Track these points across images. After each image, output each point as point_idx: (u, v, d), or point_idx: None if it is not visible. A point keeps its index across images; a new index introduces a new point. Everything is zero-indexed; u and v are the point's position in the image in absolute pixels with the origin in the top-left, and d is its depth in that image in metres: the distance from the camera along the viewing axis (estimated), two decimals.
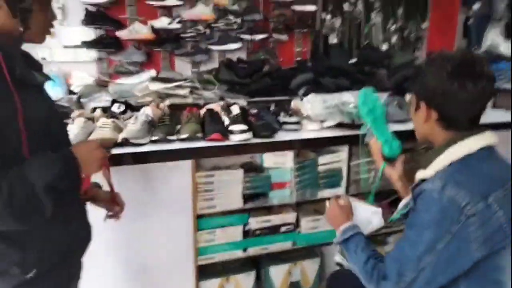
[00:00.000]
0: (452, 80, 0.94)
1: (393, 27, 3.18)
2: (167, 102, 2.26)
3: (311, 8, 2.91)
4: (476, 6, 3.45)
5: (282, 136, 1.69)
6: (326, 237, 1.89)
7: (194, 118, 1.63)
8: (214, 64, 2.93)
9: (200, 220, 1.68)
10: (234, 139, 1.54)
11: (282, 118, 1.77)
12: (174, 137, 1.57)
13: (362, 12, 3.10)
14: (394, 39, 3.22)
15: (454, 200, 0.88)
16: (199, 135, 1.55)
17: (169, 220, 1.58)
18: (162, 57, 2.84)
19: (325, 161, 1.80)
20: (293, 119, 1.76)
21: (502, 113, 2.53)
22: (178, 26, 2.69)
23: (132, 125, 1.53)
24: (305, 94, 2.64)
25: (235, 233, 1.75)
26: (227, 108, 1.69)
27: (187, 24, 2.76)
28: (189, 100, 2.58)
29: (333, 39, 3.08)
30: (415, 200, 0.99)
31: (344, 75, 2.90)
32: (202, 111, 1.75)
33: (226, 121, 1.62)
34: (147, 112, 1.61)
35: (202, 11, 2.65)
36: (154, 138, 1.51)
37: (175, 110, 1.89)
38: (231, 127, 1.56)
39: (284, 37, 2.99)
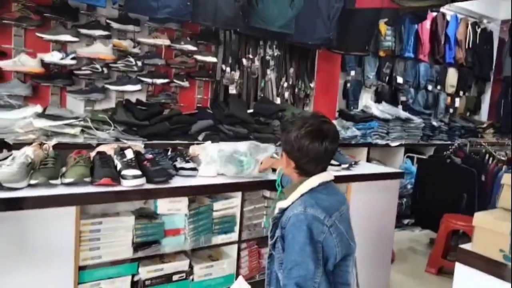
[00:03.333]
0: (305, 140, 1.23)
1: (285, 84, 3.53)
2: (54, 141, 2.09)
3: (212, 59, 3.08)
4: (352, 73, 4.08)
5: (177, 181, 1.69)
6: (220, 284, 1.88)
7: (83, 161, 1.53)
8: (111, 104, 2.84)
9: (83, 272, 1.53)
10: (126, 184, 1.49)
11: (179, 163, 1.78)
12: (57, 181, 1.44)
13: (259, 68, 3.38)
14: (286, 94, 3.56)
15: (316, 215, 1.16)
16: (87, 179, 1.46)
17: (46, 274, 1.41)
18: (52, 93, 2.64)
19: (220, 207, 1.84)
20: (190, 165, 1.79)
21: (373, 165, 2.96)
22: (72, 62, 2.56)
23: (7, 167, 1.37)
24: (205, 140, 2.72)
25: (123, 284, 1.63)
26: (120, 152, 1.64)
27: (83, 61, 2.64)
28: (80, 140, 2.42)
29: (232, 90, 3.27)
30: (284, 228, 1.22)
31: (242, 123, 3.08)
32: (93, 154, 1.66)
33: (119, 165, 1.56)
34: (27, 152, 1.47)
35: (100, 50, 2.58)
36: (33, 182, 1.37)
37: (63, 151, 1.75)
38: (124, 172, 1.51)
39: (185, 83, 3.07)
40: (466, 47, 4.73)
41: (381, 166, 3.61)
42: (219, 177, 1.84)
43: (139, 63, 2.79)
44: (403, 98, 4.41)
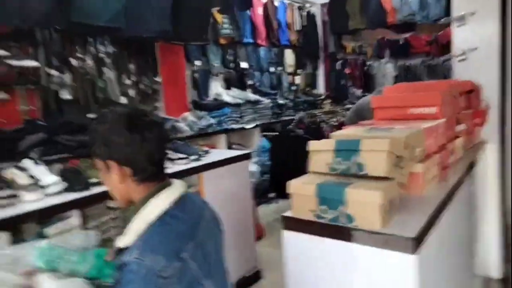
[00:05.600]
0: (133, 133, 0.99)
1: (128, 82, 3.32)
2: None
3: (31, 63, 2.67)
4: (197, 63, 4.10)
5: None
6: None
7: None
8: None
9: None
10: None
11: None
12: None
13: (93, 68, 3.08)
14: (131, 92, 3.35)
15: (152, 268, 0.89)
16: None
17: None
18: None
19: (56, 231, 1.62)
20: (5, 192, 1.51)
21: (225, 151, 3.05)
22: None
23: None
24: (42, 156, 2.36)
25: None
26: None
27: None
28: None
29: (65, 95, 2.91)
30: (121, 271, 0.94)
31: (83, 130, 2.78)
32: None
33: None
34: None
35: None
36: None
37: None
38: None
39: (3, 95, 2.60)
40: (296, 29, 5.24)
41: (239, 149, 3.77)
42: (47, 198, 1.61)
43: None
44: (250, 82, 4.65)
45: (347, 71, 5.94)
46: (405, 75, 6.67)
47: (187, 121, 3.65)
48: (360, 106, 3.35)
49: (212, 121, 3.84)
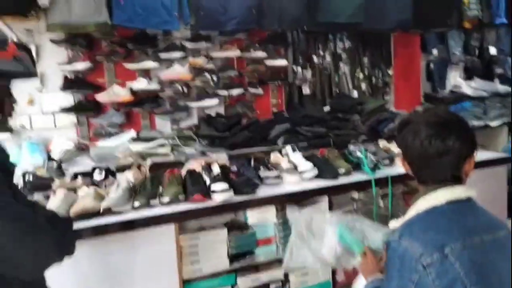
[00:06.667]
0: (427, 141, 0.98)
1: (361, 75, 3.37)
2: (149, 162, 2.27)
3: (282, 62, 3.07)
4: (435, 52, 3.73)
5: (263, 191, 1.72)
6: None
7: (176, 179, 1.64)
8: (194, 121, 3.00)
9: (187, 286, 1.64)
10: (217, 198, 1.56)
11: (263, 172, 1.81)
12: (156, 201, 1.57)
13: (330, 63, 3.28)
14: (363, 86, 3.39)
15: (409, 250, 0.94)
16: (181, 197, 1.56)
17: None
18: (142, 117, 2.89)
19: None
20: (273, 173, 1.80)
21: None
22: (157, 86, 2.77)
23: (114, 193, 1.53)
24: (285, 144, 2.73)
25: None
26: (207, 167, 1.72)
27: (165, 84, 2.84)
28: (171, 157, 2.60)
29: (306, 90, 3.22)
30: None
31: (319, 123, 3.01)
32: (183, 172, 1.77)
33: (207, 180, 1.64)
34: (128, 177, 1.62)
35: (179, 71, 2.75)
36: (136, 205, 1.51)
37: (157, 170, 1.90)
38: (213, 187, 1.58)
39: (259, 90, 3.11)
40: None
41: (483, 151, 3.23)
42: (303, 183, 1.82)
43: (215, 78, 2.91)
44: (499, 70, 3.89)
45: None
46: None
47: None
48: None
49: None
